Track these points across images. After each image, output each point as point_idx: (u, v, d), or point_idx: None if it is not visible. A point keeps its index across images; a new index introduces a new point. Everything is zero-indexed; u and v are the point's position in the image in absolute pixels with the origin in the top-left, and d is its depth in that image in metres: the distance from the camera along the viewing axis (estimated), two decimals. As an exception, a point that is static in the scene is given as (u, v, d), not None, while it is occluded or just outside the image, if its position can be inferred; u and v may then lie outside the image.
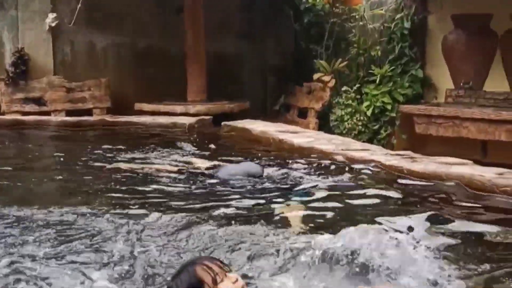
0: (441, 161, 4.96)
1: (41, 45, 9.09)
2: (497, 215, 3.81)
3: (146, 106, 8.87)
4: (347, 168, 5.00)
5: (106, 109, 9.10)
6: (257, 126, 6.92)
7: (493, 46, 8.12)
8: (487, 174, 4.44)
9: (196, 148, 6.33)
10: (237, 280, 2.24)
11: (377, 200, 4.11)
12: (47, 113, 8.84)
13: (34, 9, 9.10)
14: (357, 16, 9.51)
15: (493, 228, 3.45)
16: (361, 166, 4.99)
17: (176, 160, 5.68)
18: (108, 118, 8.32)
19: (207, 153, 6.13)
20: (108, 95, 9.15)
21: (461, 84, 8.27)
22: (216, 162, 5.47)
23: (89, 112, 8.99)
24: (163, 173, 5.08)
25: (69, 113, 8.91)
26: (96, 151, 6.16)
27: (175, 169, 5.23)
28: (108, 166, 5.44)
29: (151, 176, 5.01)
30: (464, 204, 4.07)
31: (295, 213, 3.74)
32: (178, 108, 8.67)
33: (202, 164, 5.43)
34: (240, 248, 3.12)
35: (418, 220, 3.39)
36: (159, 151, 6.17)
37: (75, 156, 5.98)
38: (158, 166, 5.40)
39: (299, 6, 10.00)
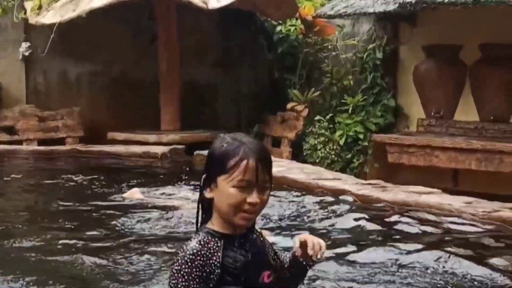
0: (411, 190, 5.00)
1: (13, 73, 9.03)
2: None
3: (118, 135, 8.82)
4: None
5: (79, 138, 9.04)
6: (230, 155, 6.91)
7: (463, 76, 8.26)
8: (455, 203, 4.48)
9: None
10: None
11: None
12: (19, 142, 8.76)
13: (7, 38, 9.06)
14: (330, 46, 9.62)
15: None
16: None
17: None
18: (80, 147, 8.28)
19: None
20: (81, 124, 9.10)
21: (432, 113, 8.38)
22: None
23: (61, 141, 8.92)
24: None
25: (41, 142, 8.84)
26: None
27: None
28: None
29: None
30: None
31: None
32: (151, 137, 8.63)
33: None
34: None
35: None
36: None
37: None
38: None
39: (273, 36, 10.11)
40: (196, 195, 2.29)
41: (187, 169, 6.97)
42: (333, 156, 8.63)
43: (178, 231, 4.25)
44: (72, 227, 4.43)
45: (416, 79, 8.62)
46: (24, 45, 8.96)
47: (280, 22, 10.03)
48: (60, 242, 3.92)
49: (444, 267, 3.25)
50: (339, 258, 3.37)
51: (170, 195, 5.53)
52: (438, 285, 3.03)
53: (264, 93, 10.25)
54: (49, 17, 8.50)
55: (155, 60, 9.13)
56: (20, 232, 4.31)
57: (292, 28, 9.97)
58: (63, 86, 9.32)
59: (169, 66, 9.08)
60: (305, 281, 2.36)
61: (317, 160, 8.62)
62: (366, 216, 4.35)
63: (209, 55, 10.02)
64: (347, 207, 4.72)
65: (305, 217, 4.54)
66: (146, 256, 3.60)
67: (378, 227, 4.13)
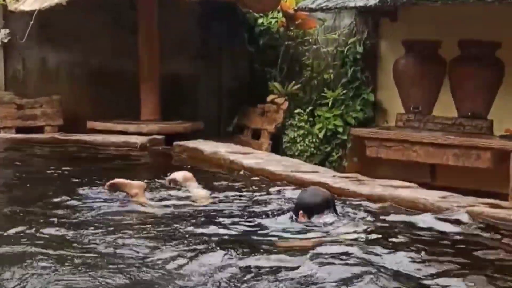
0: (387, 184, 5.03)
1: (-8, 60, 8.96)
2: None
3: (98, 125, 8.77)
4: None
5: (58, 126, 8.98)
6: (209, 147, 6.90)
7: (442, 72, 8.32)
8: (431, 197, 4.51)
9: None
10: None
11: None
12: (-3, 130, 8.68)
13: (-15, 25, 8.98)
14: (311, 40, 9.64)
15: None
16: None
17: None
18: (59, 136, 8.21)
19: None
20: (60, 113, 9.03)
21: (411, 108, 8.44)
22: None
23: (41, 130, 8.85)
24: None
25: (19, 130, 8.76)
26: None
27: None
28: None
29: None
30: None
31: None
32: (131, 127, 8.60)
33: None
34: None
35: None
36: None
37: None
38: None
39: (254, 29, 10.11)
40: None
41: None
42: (312, 149, 8.67)
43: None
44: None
45: (395, 74, 8.68)
46: (3, 31, 8.87)
47: (262, 14, 10.03)
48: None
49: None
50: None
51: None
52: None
53: (244, 85, 10.25)
54: (29, 4, 8.42)
55: (135, 50, 9.08)
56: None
57: (274, 21, 9.98)
58: (42, 74, 9.24)
59: (149, 57, 9.05)
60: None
61: (296, 153, 8.65)
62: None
63: (189, 47, 9.98)
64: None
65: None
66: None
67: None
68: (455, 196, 4.61)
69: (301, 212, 3.99)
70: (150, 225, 4.02)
